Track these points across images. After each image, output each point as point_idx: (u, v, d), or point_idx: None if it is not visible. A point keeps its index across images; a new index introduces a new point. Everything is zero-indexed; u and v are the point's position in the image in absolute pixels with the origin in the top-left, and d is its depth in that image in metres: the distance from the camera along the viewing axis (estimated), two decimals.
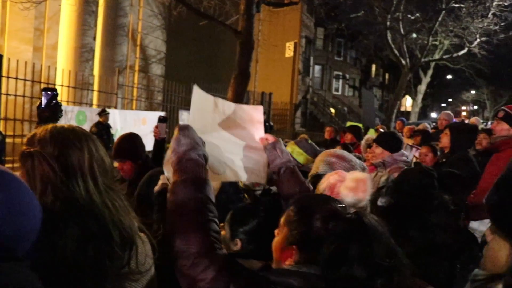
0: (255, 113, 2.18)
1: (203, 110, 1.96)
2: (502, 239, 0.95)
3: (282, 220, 1.53)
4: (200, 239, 1.39)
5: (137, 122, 13.23)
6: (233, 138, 2.08)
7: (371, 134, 7.59)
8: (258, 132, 2.17)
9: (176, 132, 1.69)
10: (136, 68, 17.85)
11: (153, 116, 14.00)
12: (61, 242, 1.27)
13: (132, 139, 3.71)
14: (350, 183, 2.06)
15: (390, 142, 4.32)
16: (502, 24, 24.53)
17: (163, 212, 1.92)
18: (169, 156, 1.65)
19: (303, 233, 1.43)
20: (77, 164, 1.40)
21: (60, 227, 1.29)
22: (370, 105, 10.57)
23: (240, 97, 13.46)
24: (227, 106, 2.09)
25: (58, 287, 1.24)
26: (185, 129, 1.69)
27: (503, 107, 3.96)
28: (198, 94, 1.94)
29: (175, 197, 1.49)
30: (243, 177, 2.14)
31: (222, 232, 2.30)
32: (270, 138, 2.16)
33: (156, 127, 4.35)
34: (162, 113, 14.56)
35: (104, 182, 1.45)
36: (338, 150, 3.11)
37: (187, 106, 16.77)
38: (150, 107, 17.46)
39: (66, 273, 1.27)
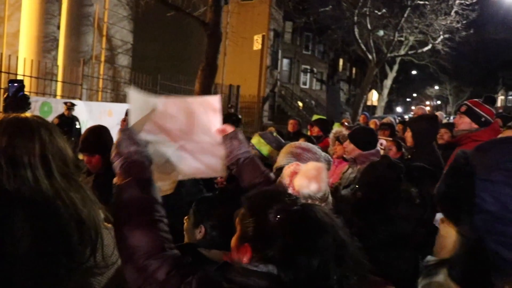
0: (211, 104, 2.09)
1: (144, 110, 1.89)
2: (450, 226, 1.02)
3: (236, 219, 1.51)
4: (149, 240, 1.36)
5: (103, 114, 12.96)
6: (185, 134, 2.01)
7: (337, 127, 7.69)
8: (215, 123, 2.09)
9: (118, 134, 1.66)
10: (102, 58, 17.47)
11: (119, 108, 13.74)
12: (8, 241, 1.21)
13: (101, 133, 3.61)
14: (304, 174, 2.06)
15: (362, 140, 4.21)
16: (464, 22, 25.28)
17: None
18: (112, 159, 1.62)
19: (255, 230, 1.41)
20: (26, 154, 1.33)
21: (6, 225, 1.22)
22: (336, 100, 10.65)
23: (207, 90, 13.40)
24: (176, 102, 2.02)
25: None
26: (128, 131, 1.67)
27: (465, 102, 4.08)
28: (135, 97, 1.88)
29: (120, 200, 1.46)
30: (196, 174, 2.10)
31: (185, 225, 2.31)
32: (228, 128, 2.09)
33: (124, 120, 4.28)
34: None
35: (62, 172, 1.39)
36: (302, 143, 3.13)
37: None
38: (116, 99, 17.16)
39: (16, 275, 1.21)
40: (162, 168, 1.89)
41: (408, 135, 4.64)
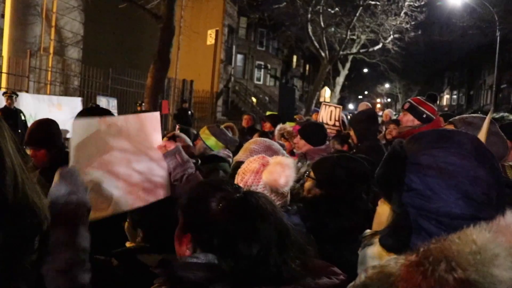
0: (151, 121, 2.12)
1: (88, 139, 1.88)
2: (385, 204, 1.16)
3: (179, 210, 1.51)
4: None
5: (51, 107, 12.54)
6: (127, 157, 2.01)
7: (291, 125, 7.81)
8: (156, 141, 2.12)
9: (56, 177, 1.61)
10: (51, 50, 16.88)
11: (69, 102, 13.37)
12: None
13: (49, 126, 3.49)
14: (272, 168, 2.07)
15: (313, 135, 4.27)
16: (413, 23, 26.22)
17: None
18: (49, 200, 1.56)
19: (197, 219, 1.41)
20: (4, 145, 1.28)
21: None
22: (291, 100, 10.67)
23: (159, 84, 13.27)
24: (118, 122, 2.03)
25: None
26: (66, 174, 1.61)
27: (408, 99, 4.24)
28: (79, 125, 1.88)
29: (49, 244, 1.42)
30: (139, 203, 2.06)
31: (126, 227, 2.28)
32: (169, 145, 2.11)
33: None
34: (79, 99, 13.98)
35: (19, 162, 1.35)
36: (267, 139, 3.16)
37: (105, 92, 16.23)
38: (66, 92, 16.67)
39: None
40: (100, 204, 1.88)
41: (352, 133, 4.77)
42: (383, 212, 1.16)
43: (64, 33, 17.95)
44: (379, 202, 1.22)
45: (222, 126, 7.21)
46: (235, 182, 2.17)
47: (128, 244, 2.26)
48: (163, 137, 2.46)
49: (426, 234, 1.00)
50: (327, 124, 5.94)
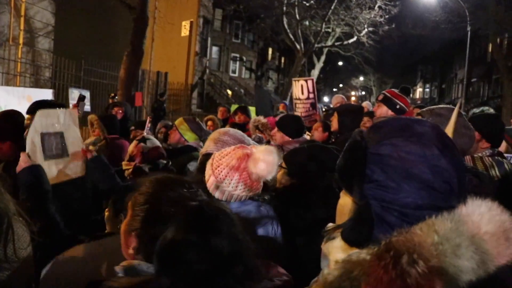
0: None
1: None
2: (347, 196, 1.14)
3: (129, 202, 1.42)
4: None
5: (21, 99, 12.21)
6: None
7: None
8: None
9: None
10: (20, 41, 16.43)
11: (39, 94, 13.02)
12: None
13: (14, 118, 3.40)
14: (260, 157, 2.04)
15: (291, 127, 4.31)
16: (387, 16, 26.50)
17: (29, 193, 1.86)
18: None
19: (146, 220, 1.33)
20: None
21: None
22: (266, 101, 10.50)
23: (133, 76, 13.10)
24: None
25: None
26: None
27: (383, 91, 4.31)
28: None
29: None
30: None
31: (106, 215, 2.26)
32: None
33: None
34: (50, 91, 13.67)
35: None
36: (231, 129, 3.13)
37: (77, 84, 15.92)
38: (36, 84, 16.26)
39: None
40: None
41: (335, 120, 4.79)
42: (345, 203, 1.13)
43: (34, 23, 17.48)
44: (341, 193, 1.19)
45: (204, 119, 7.21)
46: (206, 175, 2.13)
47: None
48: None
49: (389, 226, 0.98)
50: (299, 99, 5.95)
